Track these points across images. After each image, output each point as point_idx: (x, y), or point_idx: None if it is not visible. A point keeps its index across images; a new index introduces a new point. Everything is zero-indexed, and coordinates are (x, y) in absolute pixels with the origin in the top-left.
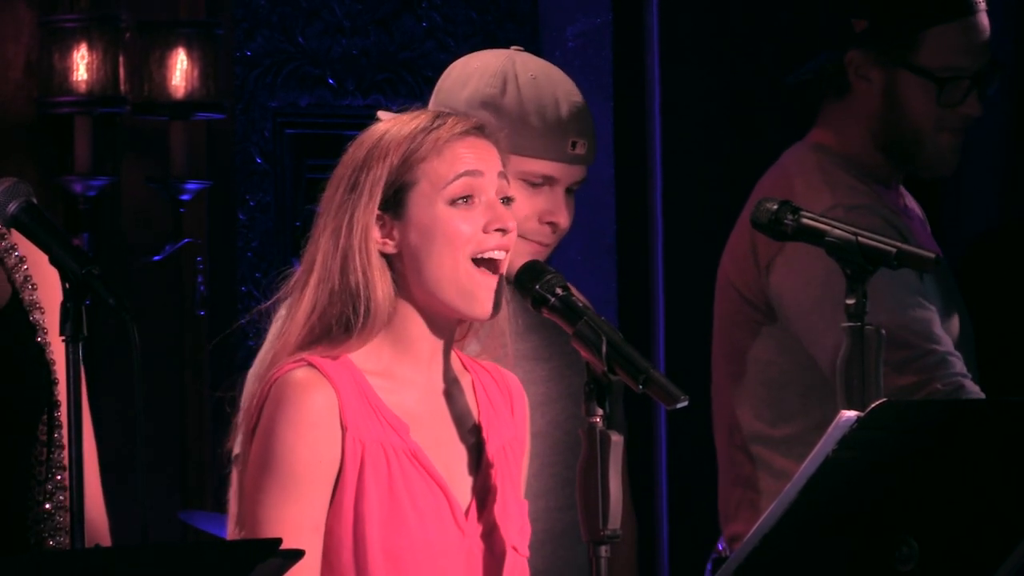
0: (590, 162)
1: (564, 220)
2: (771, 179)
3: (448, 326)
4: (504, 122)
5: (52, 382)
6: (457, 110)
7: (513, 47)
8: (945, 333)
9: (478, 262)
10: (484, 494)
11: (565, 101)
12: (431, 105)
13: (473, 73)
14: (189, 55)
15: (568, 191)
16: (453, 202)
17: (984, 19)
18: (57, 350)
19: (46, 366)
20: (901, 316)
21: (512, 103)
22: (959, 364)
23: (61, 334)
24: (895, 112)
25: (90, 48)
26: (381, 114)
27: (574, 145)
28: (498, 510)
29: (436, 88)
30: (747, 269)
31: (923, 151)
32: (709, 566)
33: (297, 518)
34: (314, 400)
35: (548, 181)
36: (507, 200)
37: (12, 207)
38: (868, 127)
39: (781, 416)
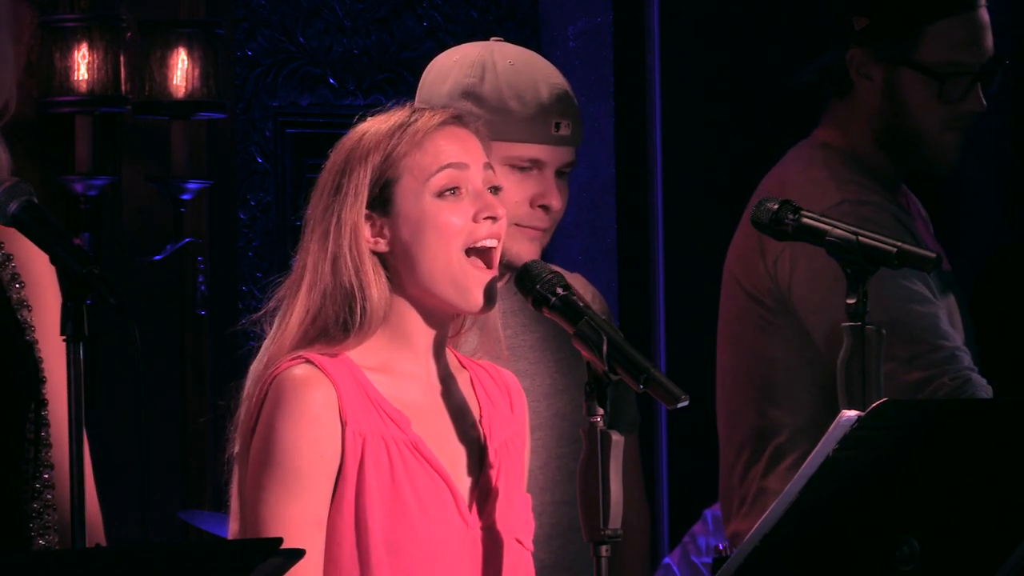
0: (577, 143)
1: (556, 202)
2: (775, 177)
3: (444, 320)
4: (485, 109)
5: (40, 380)
6: (437, 103)
7: (493, 38)
8: (952, 329)
9: (471, 253)
10: (487, 487)
11: (545, 84)
12: (416, 102)
13: (453, 66)
14: (190, 55)
15: (560, 174)
16: (440, 194)
17: (984, 14)
18: (46, 348)
19: (33, 364)
20: (909, 312)
21: (491, 90)
22: (967, 359)
23: (62, 334)
24: (897, 109)
25: (91, 48)
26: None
27: (557, 126)
28: (501, 503)
29: (419, 84)
30: (754, 266)
31: (925, 148)
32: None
33: (300, 515)
34: (313, 396)
35: (536, 164)
36: (495, 189)
37: (13, 206)
38: (871, 125)
39: (786, 413)
